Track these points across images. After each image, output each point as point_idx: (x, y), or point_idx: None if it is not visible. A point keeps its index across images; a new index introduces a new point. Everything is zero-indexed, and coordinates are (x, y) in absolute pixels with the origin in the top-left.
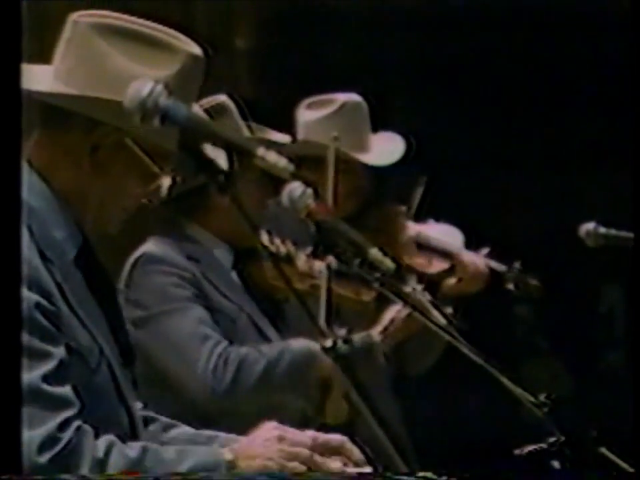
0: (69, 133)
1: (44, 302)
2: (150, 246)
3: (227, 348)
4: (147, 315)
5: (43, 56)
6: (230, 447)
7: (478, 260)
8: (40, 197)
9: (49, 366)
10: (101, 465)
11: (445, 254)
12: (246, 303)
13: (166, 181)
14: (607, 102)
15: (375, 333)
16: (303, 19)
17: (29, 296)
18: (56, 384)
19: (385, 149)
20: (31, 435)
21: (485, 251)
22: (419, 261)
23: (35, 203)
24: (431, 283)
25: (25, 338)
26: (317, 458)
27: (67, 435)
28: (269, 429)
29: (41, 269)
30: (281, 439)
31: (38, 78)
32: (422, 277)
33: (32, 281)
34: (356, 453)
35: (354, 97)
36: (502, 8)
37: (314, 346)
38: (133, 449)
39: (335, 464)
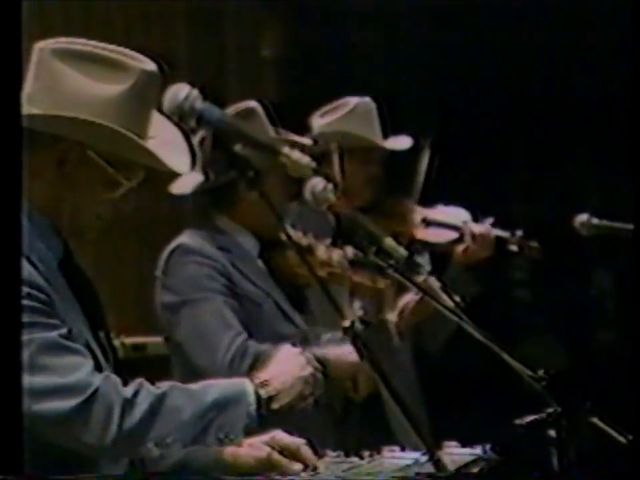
0: (37, 151)
1: (34, 292)
2: (185, 238)
3: (245, 340)
4: (179, 301)
5: None
6: (256, 377)
7: (484, 228)
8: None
9: (60, 330)
10: (131, 404)
11: (453, 227)
12: (272, 289)
13: (197, 178)
14: (607, 100)
15: (391, 316)
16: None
17: (20, 289)
18: (71, 341)
19: (396, 143)
20: (58, 381)
21: (490, 220)
22: (430, 234)
23: None
24: (443, 254)
25: (28, 318)
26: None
27: (96, 380)
28: (294, 354)
29: (29, 268)
30: (303, 367)
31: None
32: (434, 249)
33: (22, 278)
34: (310, 456)
35: (365, 99)
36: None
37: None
38: (159, 388)
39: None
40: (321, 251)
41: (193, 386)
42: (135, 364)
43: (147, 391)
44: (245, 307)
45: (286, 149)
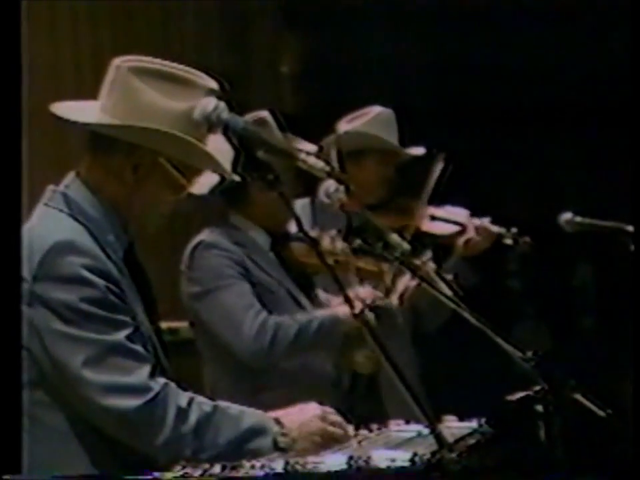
0: (113, 155)
1: (112, 286)
2: (205, 235)
3: (266, 317)
4: (204, 290)
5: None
6: (281, 418)
7: (483, 223)
8: (95, 208)
9: (126, 331)
10: (184, 414)
11: (456, 222)
12: (283, 278)
13: (213, 180)
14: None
15: (393, 297)
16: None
17: (99, 282)
18: (135, 343)
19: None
20: (124, 380)
21: (488, 219)
22: (434, 227)
23: (92, 213)
24: (446, 245)
25: (101, 312)
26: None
27: (156, 386)
28: (313, 409)
29: (107, 261)
30: (323, 418)
31: (87, 112)
32: (438, 240)
33: (101, 270)
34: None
35: (387, 109)
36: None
37: (339, 311)
38: (207, 405)
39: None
40: (326, 241)
41: (232, 410)
42: (169, 345)
43: (197, 405)
44: (260, 294)
45: (303, 155)
